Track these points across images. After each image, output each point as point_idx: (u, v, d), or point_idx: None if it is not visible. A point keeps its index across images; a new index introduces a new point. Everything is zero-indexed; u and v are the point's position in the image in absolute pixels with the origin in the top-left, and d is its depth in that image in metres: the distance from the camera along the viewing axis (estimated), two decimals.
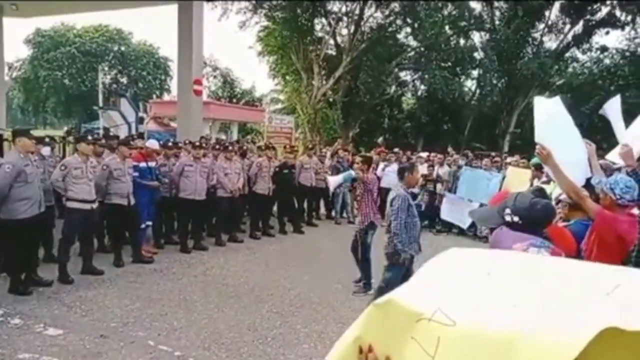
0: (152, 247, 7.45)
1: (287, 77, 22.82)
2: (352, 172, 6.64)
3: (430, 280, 0.86)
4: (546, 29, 23.01)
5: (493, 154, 13.59)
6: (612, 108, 3.16)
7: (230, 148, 8.61)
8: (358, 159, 6.59)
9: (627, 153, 3.41)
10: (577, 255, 2.93)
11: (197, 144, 8.08)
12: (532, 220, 1.88)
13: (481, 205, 7.69)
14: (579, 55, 24.36)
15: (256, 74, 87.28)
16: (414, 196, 6.05)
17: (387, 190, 10.68)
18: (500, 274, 0.83)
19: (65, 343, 4.24)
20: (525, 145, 17.91)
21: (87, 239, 6.25)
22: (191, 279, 6.27)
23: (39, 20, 28.56)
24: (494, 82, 24.37)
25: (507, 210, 1.91)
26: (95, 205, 6.06)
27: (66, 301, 5.22)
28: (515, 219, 1.89)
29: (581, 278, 0.79)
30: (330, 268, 6.90)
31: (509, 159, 10.29)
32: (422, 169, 10.87)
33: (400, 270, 4.90)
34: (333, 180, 7.23)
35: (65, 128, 26.59)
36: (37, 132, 7.09)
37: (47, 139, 7.64)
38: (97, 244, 7.07)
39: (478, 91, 25.43)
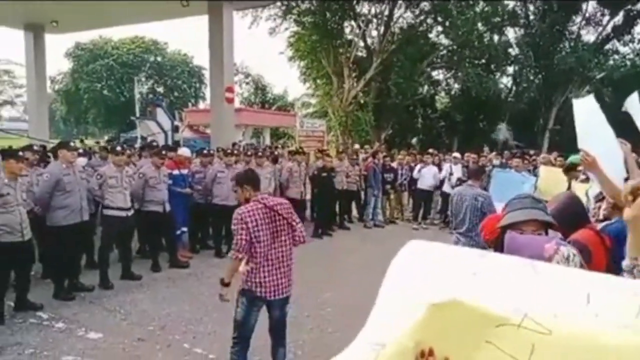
0: (188, 252, 7.63)
1: (318, 81, 22.85)
2: None
3: (486, 282, 0.86)
4: (584, 22, 22.29)
5: (532, 152, 13.18)
6: (633, 104, 3.01)
7: (260, 154, 8.72)
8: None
9: None
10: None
11: (229, 151, 8.22)
12: None
13: None
14: (620, 47, 23.50)
15: (288, 79, 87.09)
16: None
17: (426, 192, 10.74)
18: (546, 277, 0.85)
19: (105, 346, 4.41)
20: (565, 142, 17.33)
21: (125, 245, 6.46)
22: None
23: (77, 35, 29.79)
24: (531, 78, 23.76)
25: None
26: (130, 213, 6.26)
27: (107, 306, 5.43)
28: None
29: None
30: (359, 272, 6.85)
31: (539, 158, 9.86)
32: (457, 169, 10.71)
33: None
34: None
35: (106, 137, 27.56)
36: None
37: (81, 150, 7.91)
38: (136, 250, 7.29)
39: (514, 88, 24.85)
